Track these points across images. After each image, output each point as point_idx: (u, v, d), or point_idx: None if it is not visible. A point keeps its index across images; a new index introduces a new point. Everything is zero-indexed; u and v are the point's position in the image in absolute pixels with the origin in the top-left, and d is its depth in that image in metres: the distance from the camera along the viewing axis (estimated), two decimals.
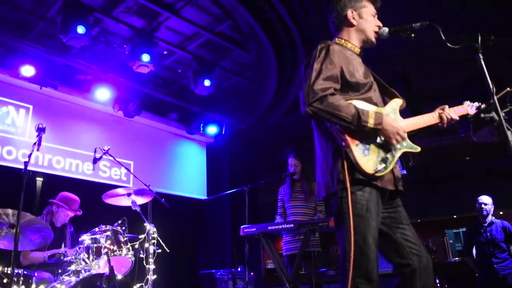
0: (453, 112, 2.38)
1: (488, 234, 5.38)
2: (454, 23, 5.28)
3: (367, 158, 2.04)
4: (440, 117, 2.34)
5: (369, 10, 2.37)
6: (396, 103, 2.30)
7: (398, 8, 4.45)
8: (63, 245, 4.10)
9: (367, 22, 2.34)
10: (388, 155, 2.11)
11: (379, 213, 2.08)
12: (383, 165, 2.06)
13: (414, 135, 2.31)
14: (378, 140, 2.11)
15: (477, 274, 5.66)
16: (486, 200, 5.48)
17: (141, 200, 4.35)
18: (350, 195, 1.99)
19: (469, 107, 2.45)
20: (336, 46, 2.23)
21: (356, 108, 2.04)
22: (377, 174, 2.04)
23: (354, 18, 2.34)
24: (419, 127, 2.32)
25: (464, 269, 6.79)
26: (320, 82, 2.07)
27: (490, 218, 5.43)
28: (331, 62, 2.13)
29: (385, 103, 2.31)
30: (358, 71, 2.23)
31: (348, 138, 2.04)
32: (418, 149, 2.23)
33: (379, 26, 2.36)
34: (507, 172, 9.66)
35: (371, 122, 2.03)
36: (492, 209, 5.45)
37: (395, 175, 2.18)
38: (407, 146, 2.21)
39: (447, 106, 2.39)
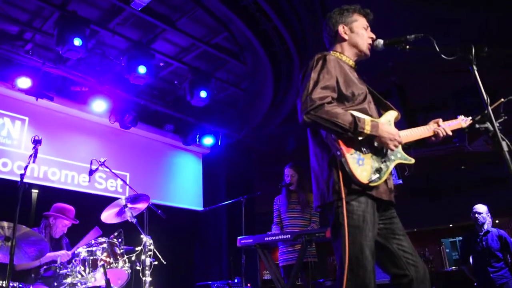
0: (447, 126, 2.43)
1: (484, 243, 5.38)
2: (452, 30, 5.35)
3: (362, 168, 2.05)
4: (435, 133, 2.38)
5: (360, 24, 2.41)
6: (391, 115, 2.34)
7: (396, 18, 4.51)
8: (59, 258, 4.06)
9: (358, 35, 2.38)
10: (382, 166, 2.13)
11: (375, 223, 2.09)
12: (377, 175, 2.08)
13: (408, 148, 2.34)
14: (373, 150, 2.13)
15: (475, 284, 5.65)
16: (480, 209, 5.47)
17: (137, 207, 4.30)
18: (345, 205, 2.01)
19: (462, 121, 2.49)
20: (332, 57, 2.27)
21: (353, 115, 2.07)
22: (371, 184, 2.05)
23: (345, 33, 2.39)
24: (414, 140, 2.35)
25: (461, 278, 6.78)
26: (318, 91, 2.10)
27: (486, 227, 5.43)
28: (328, 72, 2.17)
29: (380, 115, 2.34)
30: (354, 82, 2.26)
31: (343, 147, 2.06)
32: (412, 160, 2.26)
33: (372, 38, 2.40)
34: (503, 181, 9.70)
35: (367, 129, 2.06)
36: (487, 218, 5.45)
37: (388, 186, 2.19)
38: (402, 157, 2.24)
39: (441, 120, 2.43)
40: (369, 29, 2.44)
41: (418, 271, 2.09)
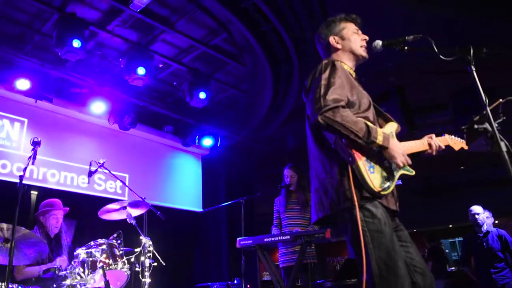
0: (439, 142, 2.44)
1: (484, 244, 5.38)
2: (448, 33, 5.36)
3: (373, 176, 2.05)
4: (429, 144, 2.39)
5: (349, 30, 2.43)
6: (391, 126, 2.34)
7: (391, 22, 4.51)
8: (58, 261, 4.04)
9: (350, 41, 2.40)
10: (389, 175, 2.13)
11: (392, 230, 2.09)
12: (388, 183, 2.08)
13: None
14: (380, 160, 2.13)
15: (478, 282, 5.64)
16: (477, 210, 5.46)
17: (136, 212, 4.31)
18: (358, 210, 1.98)
19: (449, 139, 2.53)
20: (339, 64, 2.27)
21: (366, 123, 2.06)
22: (383, 192, 2.05)
23: (337, 43, 2.41)
24: (412, 152, 2.34)
25: (460, 279, 6.77)
26: (332, 93, 2.08)
27: (485, 227, 5.43)
28: (339, 77, 2.17)
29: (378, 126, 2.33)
30: (359, 89, 2.27)
31: (355, 153, 2.04)
32: (413, 172, 2.27)
33: (365, 39, 2.42)
34: (502, 181, 9.70)
35: (379, 139, 2.05)
36: (485, 218, 5.44)
37: (394, 196, 2.20)
38: (405, 169, 2.23)
39: (433, 135, 2.45)
40: (359, 32, 2.45)
41: (425, 280, 2.09)
